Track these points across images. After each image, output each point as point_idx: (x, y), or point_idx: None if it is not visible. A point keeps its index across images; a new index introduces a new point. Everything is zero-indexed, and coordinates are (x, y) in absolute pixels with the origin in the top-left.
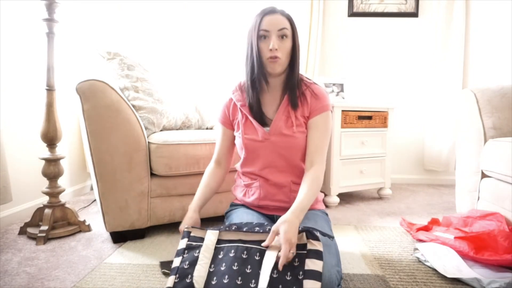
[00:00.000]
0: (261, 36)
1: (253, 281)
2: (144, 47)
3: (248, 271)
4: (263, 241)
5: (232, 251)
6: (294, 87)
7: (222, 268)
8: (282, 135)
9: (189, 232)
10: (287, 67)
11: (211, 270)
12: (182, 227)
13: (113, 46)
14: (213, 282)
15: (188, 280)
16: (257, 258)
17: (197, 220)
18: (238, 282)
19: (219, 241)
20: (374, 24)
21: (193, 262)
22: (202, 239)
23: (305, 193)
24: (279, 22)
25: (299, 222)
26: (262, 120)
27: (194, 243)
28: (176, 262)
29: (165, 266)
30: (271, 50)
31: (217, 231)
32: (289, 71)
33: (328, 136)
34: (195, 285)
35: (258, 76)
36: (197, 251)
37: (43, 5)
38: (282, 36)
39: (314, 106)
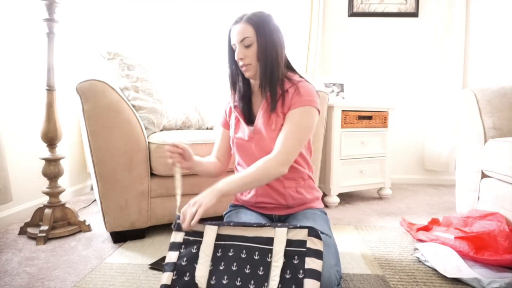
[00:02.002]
0: (232, 48)
1: (252, 281)
2: (144, 47)
3: (247, 271)
4: (263, 238)
5: (231, 250)
6: (271, 88)
7: (221, 268)
8: (263, 133)
9: None
10: (259, 70)
11: (210, 268)
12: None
13: (113, 46)
14: (212, 282)
15: (186, 278)
16: (256, 257)
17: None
18: (238, 283)
19: (218, 237)
20: (374, 24)
21: (192, 259)
22: (199, 233)
23: (245, 172)
24: (240, 33)
25: (218, 191)
26: (251, 120)
27: (191, 238)
28: (172, 257)
29: (154, 264)
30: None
31: (216, 226)
32: (261, 73)
33: (305, 130)
34: (199, 284)
35: (233, 79)
36: (195, 246)
37: (43, 5)
38: (246, 45)
39: (294, 101)
